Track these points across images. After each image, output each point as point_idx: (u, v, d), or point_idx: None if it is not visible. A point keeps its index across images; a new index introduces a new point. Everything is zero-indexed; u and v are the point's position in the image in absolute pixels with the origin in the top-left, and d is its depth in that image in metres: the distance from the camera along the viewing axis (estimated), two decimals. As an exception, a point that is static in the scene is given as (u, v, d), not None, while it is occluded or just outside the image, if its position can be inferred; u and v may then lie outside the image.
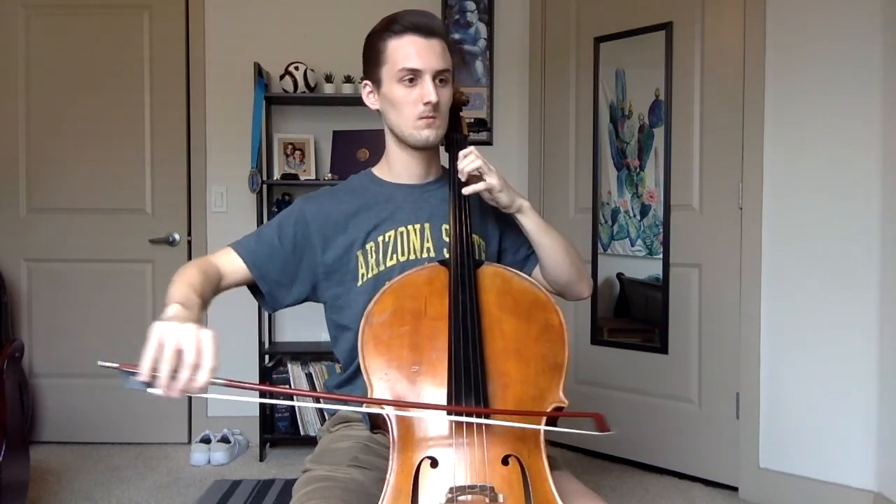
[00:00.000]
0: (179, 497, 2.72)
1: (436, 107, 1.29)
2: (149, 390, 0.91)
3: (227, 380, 0.94)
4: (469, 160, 1.27)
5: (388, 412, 1.07)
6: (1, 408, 2.16)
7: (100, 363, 0.92)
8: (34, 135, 3.32)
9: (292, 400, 1.24)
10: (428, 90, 1.27)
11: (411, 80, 1.28)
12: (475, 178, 1.28)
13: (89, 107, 3.30)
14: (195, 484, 2.84)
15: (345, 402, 1.25)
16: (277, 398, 1.24)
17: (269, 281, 1.34)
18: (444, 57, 1.30)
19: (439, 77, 1.29)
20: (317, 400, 1.22)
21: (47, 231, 3.33)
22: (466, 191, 1.27)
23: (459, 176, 1.29)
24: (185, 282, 1.17)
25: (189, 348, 0.92)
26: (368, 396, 1.11)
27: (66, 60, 3.30)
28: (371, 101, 1.38)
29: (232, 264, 1.32)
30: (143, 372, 0.91)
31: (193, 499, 2.68)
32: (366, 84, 1.38)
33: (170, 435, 3.33)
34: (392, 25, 1.29)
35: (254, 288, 1.36)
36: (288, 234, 1.34)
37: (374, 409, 1.10)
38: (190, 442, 3.27)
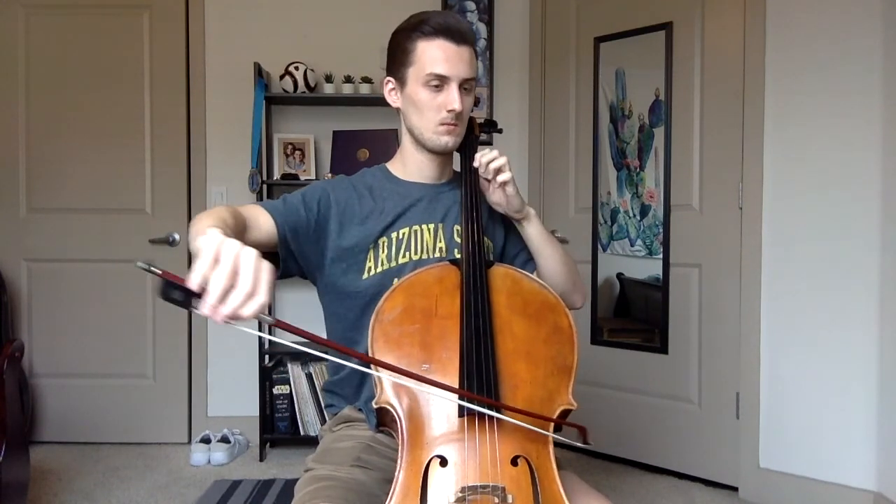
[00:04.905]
0: (179, 497, 2.71)
1: (458, 115, 1.29)
2: (191, 308, 0.81)
3: (276, 319, 0.86)
4: (492, 155, 1.29)
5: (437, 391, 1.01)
6: (1, 408, 2.15)
7: (138, 264, 0.80)
8: (34, 135, 3.31)
9: (311, 348, 1.11)
10: (453, 98, 1.27)
11: (437, 86, 1.28)
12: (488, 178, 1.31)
13: (89, 107, 3.29)
14: (195, 484, 2.83)
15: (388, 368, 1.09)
16: (317, 349, 1.15)
17: (287, 248, 1.30)
18: (471, 65, 1.29)
19: (465, 85, 1.29)
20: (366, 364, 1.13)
21: (47, 231, 3.32)
22: (501, 178, 1.30)
23: (477, 166, 1.30)
24: (217, 217, 1.09)
25: (247, 272, 0.82)
26: (378, 391, 1.11)
27: (66, 60, 3.29)
28: (393, 98, 1.37)
29: (260, 220, 1.25)
30: (194, 284, 0.80)
31: (193, 499, 2.68)
32: (388, 81, 1.37)
33: (170, 435, 3.33)
34: (423, 26, 1.28)
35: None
36: (312, 210, 1.32)
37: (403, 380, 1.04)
38: (190, 442, 3.27)
